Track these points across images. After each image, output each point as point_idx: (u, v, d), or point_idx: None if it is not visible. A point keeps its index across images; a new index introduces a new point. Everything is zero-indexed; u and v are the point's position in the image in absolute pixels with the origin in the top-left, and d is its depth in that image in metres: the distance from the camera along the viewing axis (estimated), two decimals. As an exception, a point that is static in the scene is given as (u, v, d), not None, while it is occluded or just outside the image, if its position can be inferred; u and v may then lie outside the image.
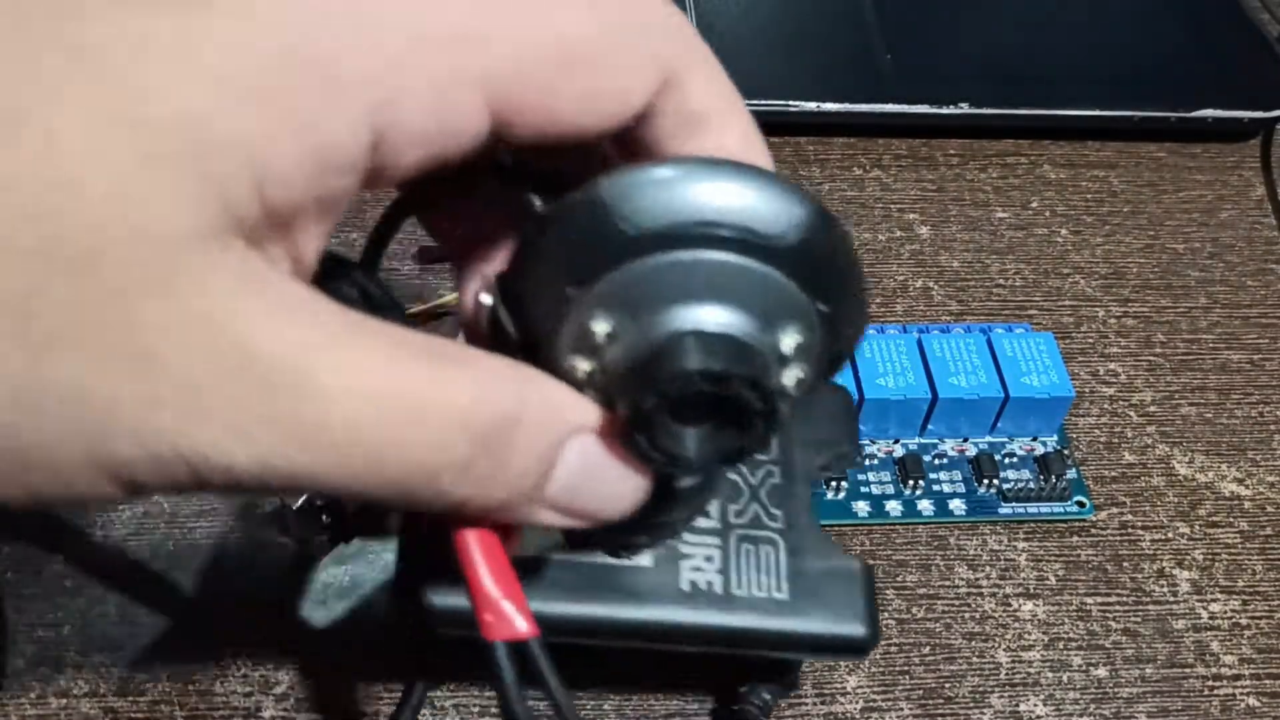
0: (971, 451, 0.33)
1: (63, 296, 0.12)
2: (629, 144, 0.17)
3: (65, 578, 0.29)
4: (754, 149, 0.18)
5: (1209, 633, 0.30)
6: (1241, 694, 0.29)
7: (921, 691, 0.28)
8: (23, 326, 0.12)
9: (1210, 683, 0.29)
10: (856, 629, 0.24)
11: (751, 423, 0.18)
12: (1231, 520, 0.32)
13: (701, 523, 0.25)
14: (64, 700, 0.27)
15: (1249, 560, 0.32)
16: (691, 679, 0.28)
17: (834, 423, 0.28)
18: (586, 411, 0.16)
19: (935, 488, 0.32)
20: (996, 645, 0.29)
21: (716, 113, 0.17)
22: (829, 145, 0.42)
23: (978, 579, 0.31)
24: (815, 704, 0.28)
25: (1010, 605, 0.30)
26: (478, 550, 0.17)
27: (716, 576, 0.24)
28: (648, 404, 0.17)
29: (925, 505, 0.31)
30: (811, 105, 0.41)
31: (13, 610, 0.28)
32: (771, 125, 0.42)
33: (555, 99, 0.15)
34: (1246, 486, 0.33)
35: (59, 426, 0.13)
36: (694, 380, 0.17)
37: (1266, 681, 0.29)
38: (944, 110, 0.42)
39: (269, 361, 0.13)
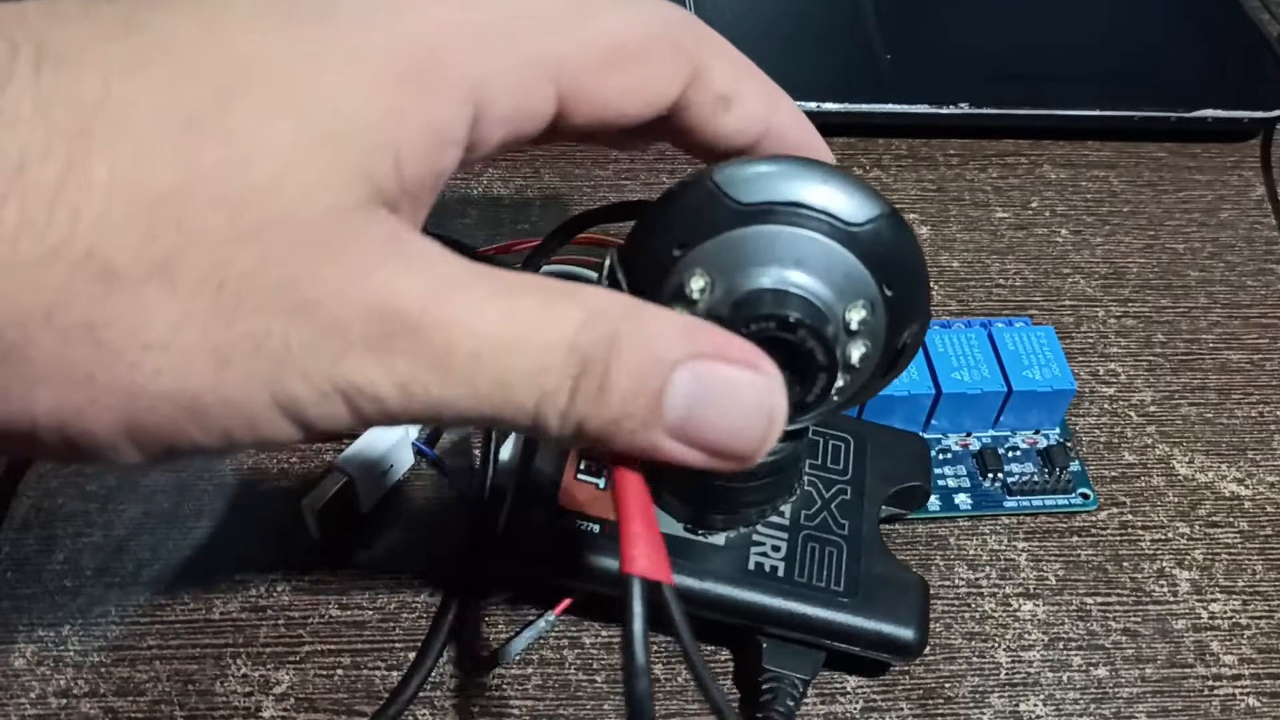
0: (975, 446, 0.33)
1: (246, 264, 0.15)
2: (674, 130, 0.20)
3: (65, 577, 0.29)
4: (779, 107, 0.21)
5: (1209, 633, 0.30)
6: (1241, 694, 0.29)
7: (921, 691, 0.28)
8: (216, 295, 0.15)
9: (1210, 683, 0.29)
10: (906, 632, 0.27)
11: (814, 376, 0.21)
12: (1231, 520, 0.32)
13: (774, 519, 0.28)
14: (64, 700, 0.27)
15: (1249, 560, 0.32)
16: (691, 680, 0.28)
17: (910, 463, 0.30)
18: (696, 339, 0.17)
19: (940, 483, 0.32)
20: (996, 645, 0.29)
21: (739, 90, 0.20)
22: (829, 145, 0.42)
23: (978, 579, 0.31)
24: (815, 704, 0.28)
25: (1010, 605, 0.30)
26: (634, 492, 0.18)
27: (781, 563, 0.27)
28: None
29: (931, 500, 0.31)
30: (811, 105, 0.41)
31: (13, 610, 0.28)
32: (771, 125, 0.42)
33: (607, 89, 0.18)
34: (1246, 486, 0.33)
35: (247, 375, 0.15)
36: (769, 325, 0.20)
37: (1266, 681, 0.29)
38: (944, 110, 0.42)
39: (406, 304, 0.15)
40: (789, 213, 0.21)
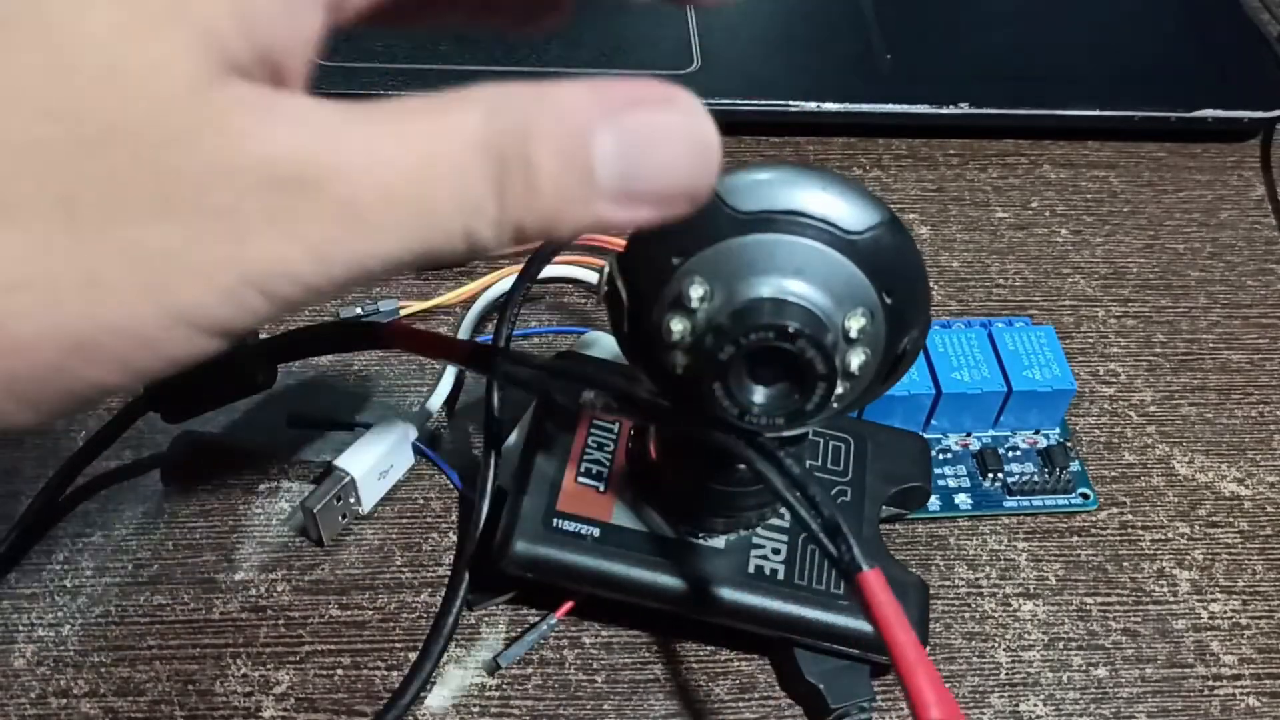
0: (975, 446, 0.33)
1: (98, 172, 0.13)
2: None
3: (65, 577, 0.29)
4: None
5: (1209, 633, 0.30)
6: (1241, 694, 0.29)
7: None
8: (69, 213, 0.13)
9: (1210, 683, 0.29)
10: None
11: (813, 385, 0.21)
12: (1231, 520, 0.32)
13: (773, 521, 0.28)
14: (64, 700, 0.27)
15: (1249, 560, 0.32)
16: (690, 680, 0.28)
17: (910, 462, 0.30)
18: (606, 95, 0.15)
19: (940, 483, 0.32)
20: (996, 645, 0.29)
21: None
22: (829, 145, 0.42)
23: (977, 579, 0.31)
24: (815, 704, 0.28)
25: (1010, 605, 0.30)
26: (902, 633, 0.20)
27: (781, 566, 0.27)
28: (726, 353, 0.21)
29: (931, 500, 0.31)
30: (811, 105, 0.41)
31: (13, 610, 0.28)
32: (771, 125, 0.42)
33: None
34: (1246, 486, 0.33)
35: (128, 292, 0.13)
36: (768, 334, 0.20)
37: (1266, 681, 0.29)
38: (944, 110, 0.42)
39: (291, 165, 0.14)
40: (788, 221, 0.21)
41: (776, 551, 0.27)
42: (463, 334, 0.34)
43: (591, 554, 0.27)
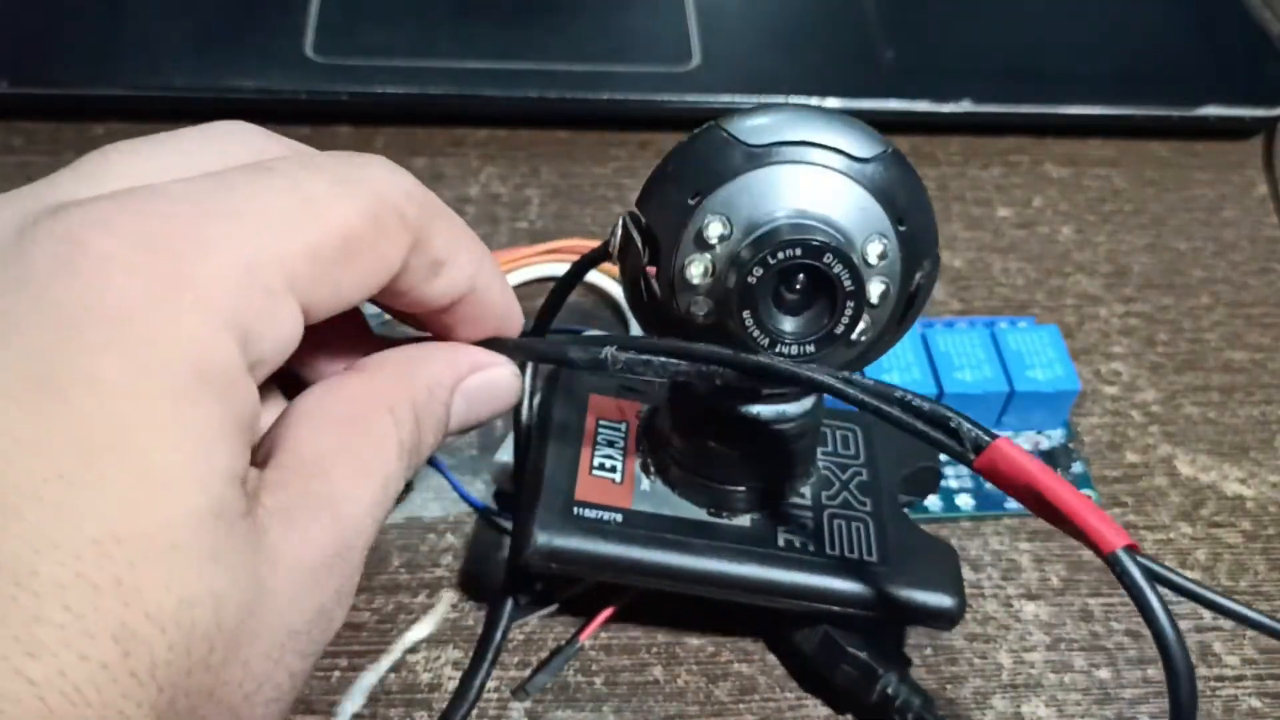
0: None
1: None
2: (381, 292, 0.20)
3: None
4: (484, 269, 0.21)
5: (1211, 634, 0.30)
6: (1244, 695, 0.29)
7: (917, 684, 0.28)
8: None
9: (1213, 684, 0.29)
10: (945, 599, 0.26)
11: (843, 305, 0.21)
12: (1234, 520, 0.32)
13: (795, 500, 0.27)
14: (59, 701, 0.27)
15: (1252, 561, 0.31)
16: (690, 680, 0.28)
17: (918, 444, 0.29)
18: (457, 363, 0.21)
19: (943, 483, 0.32)
20: (999, 647, 0.29)
21: (452, 256, 0.20)
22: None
23: (980, 580, 0.30)
24: (816, 705, 0.28)
25: (1012, 606, 0.30)
26: (1056, 480, 0.20)
27: (810, 538, 0.26)
28: (755, 276, 0.21)
29: (932, 500, 0.31)
30: (813, 101, 0.41)
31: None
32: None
33: (343, 284, 0.18)
34: (1250, 487, 0.33)
35: None
36: (794, 253, 0.21)
37: (1269, 683, 0.29)
38: (946, 107, 0.41)
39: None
40: (800, 150, 0.21)
41: (803, 526, 0.27)
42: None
43: (617, 540, 0.25)
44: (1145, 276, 0.39)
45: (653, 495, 0.27)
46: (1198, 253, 0.40)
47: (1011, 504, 0.32)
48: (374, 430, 0.19)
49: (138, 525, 0.14)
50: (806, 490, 0.27)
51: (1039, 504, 0.20)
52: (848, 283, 0.21)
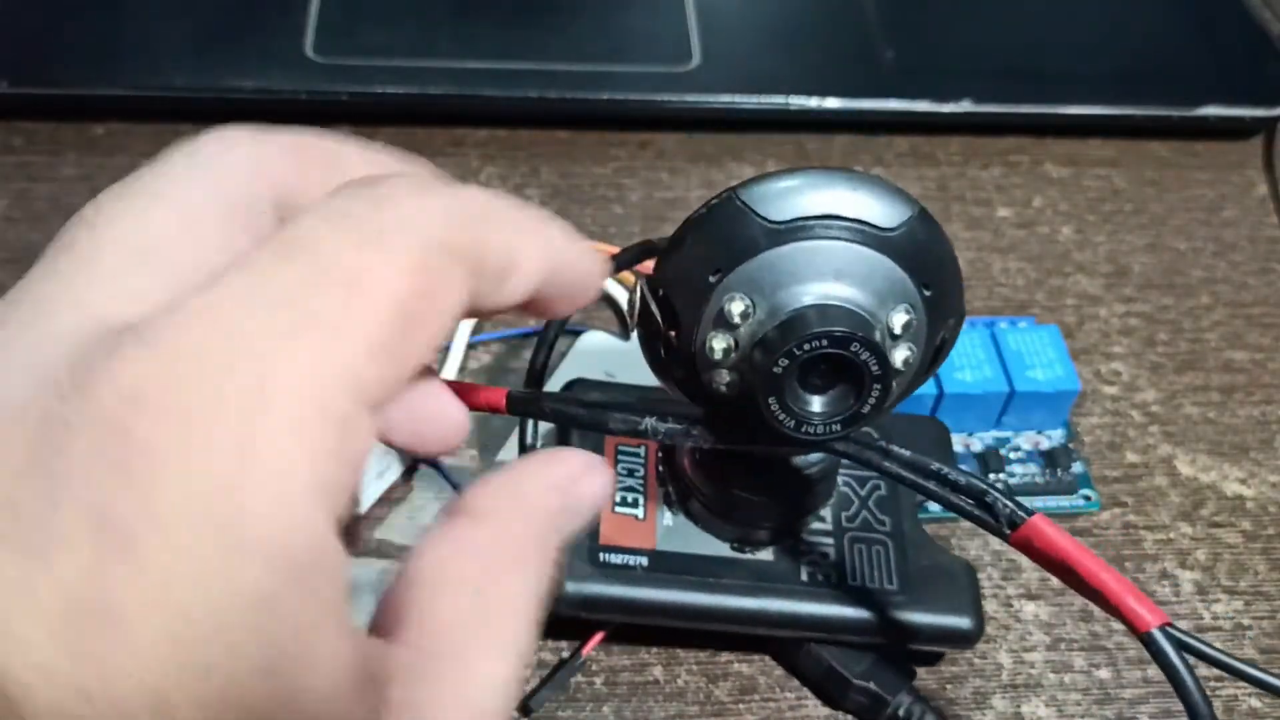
0: (977, 446, 0.33)
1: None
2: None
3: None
4: (562, 254, 0.18)
5: (1212, 633, 0.30)
6: (1244, 694, 0.29)
7: (924, 693, 0.28)
8: None
9: (1212, 683, 0.29)
10: (964, 621, 0.26)
11: (870, 387, 0.21)
12: (1234, 520, 0.32)
13: (816, 525, 0.27)
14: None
15: (1252, 561, 0.31)
16: (690, 680, 0.28)
17: (932, 445, 0.30)
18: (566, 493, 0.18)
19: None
20: (999, 647, 0.29)
21: (516, 258, 0.17)
22: (830, 142, 0.42)
23: (980, 580, 0.30)
24: (816, 706, 0.28)
25: (1012, 606, 0.30)
26: (1088, 557, 0.20)
27: (832, 569, 0.27)
28: (780, 367, 0.21)
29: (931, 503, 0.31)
30: (813, 102, 0.41)
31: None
32: (772, 122, 0.42)
33: (405, 360, 0.15)
34: (1250, 486, 0.33)
35: None
36: (820, 344, 0.20)
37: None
38: (946, 107, 0.41)
39: None
40: (823, 225, 0.21)
41: (825, 555, 0.27)
42: (455, 350, 0.34)
43: (644, 584, 0.26)
44: (1145, 276, 0.39)
45: (675, 531, 0.27)
46: (1198, 253, 0.40)
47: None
48: (508, 594, 0.16)
49: None
50: (827, 513, 0.28)
51: (1074, 580, 0.20)
52: (874, 368, 0.21)
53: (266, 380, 0.14)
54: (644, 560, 0.26)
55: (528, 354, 0.34)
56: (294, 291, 0.14)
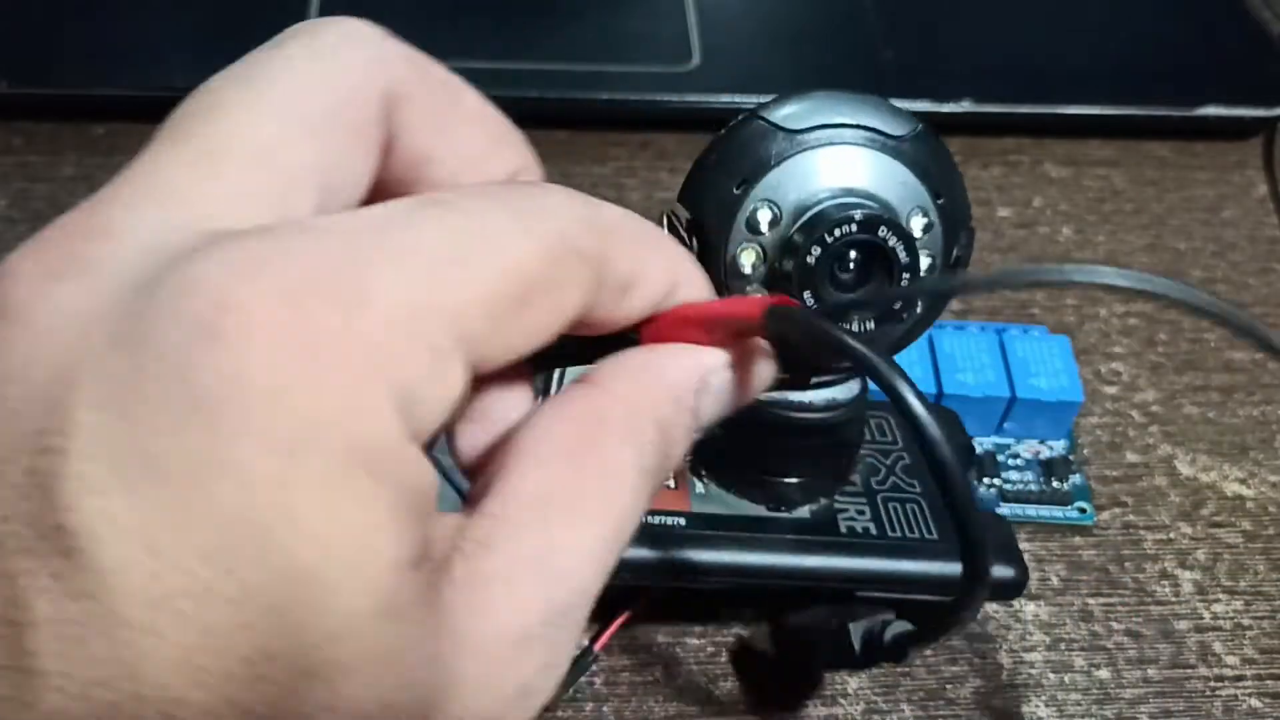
0: (976, 450, 0.33)
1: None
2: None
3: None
4: (687, 279, 0.18)
5: (1212, 634, 0.30)
6: (1244, 695, 0.29)
7: (923, 694, 0.28)
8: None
9: (1213, 684, 0.29)
10: (1008, 569, 0.26)
11: (898, 275, 0.22)
12: (1234, 520, 0.32)
13: (846, 489, 0.27)
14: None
15: (1252, 561, 0.31)
16: (691, 682, 0.28)
17: (948, 426, 0.30)
18: (701, 362, 0.17)
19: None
20: (999, 647, 0.29)
21: (640, 272, 0.17)
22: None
23: (980, 580, 0.30)
24: (816, 705, 0.28)
25: (1012, 606, 0.30)
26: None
27: (870, 524, 0.27)
28: (813, 256, 0.21)
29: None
30: (813, 102, 0.41)
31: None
32: (772, 122, 0.42)
33: (514, 337, 0.15)
34: (1250, 487, 0.33)
35: None
36: (849, 229, 0.21)
37: (1269, 682, 0.29)
38: (945, 107, 0.41)
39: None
40: (839, 132, 0.22)
41: (861, 512, 0.27)
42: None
43: (685, 544, 0.26)
44: (1145, 276, 0.39)
45: (709, 498, 0.27)
46: (1198, 253, 0.40)
47: (1003, 510, 0.31)
48: (608, 460, 0.16)
49: (289, 642, 0.12)
50: (856, 478, 0.28)
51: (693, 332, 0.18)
52: (903, 254, 0.21)
53: (361, 293, 0.13)
54: (681, 520, 0.26)
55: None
56: (421, 232, 0.14)
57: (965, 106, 0.41)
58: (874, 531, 0.26)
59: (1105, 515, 0.32)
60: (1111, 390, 0.35)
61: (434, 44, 0.46)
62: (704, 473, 0.27)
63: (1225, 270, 0.39)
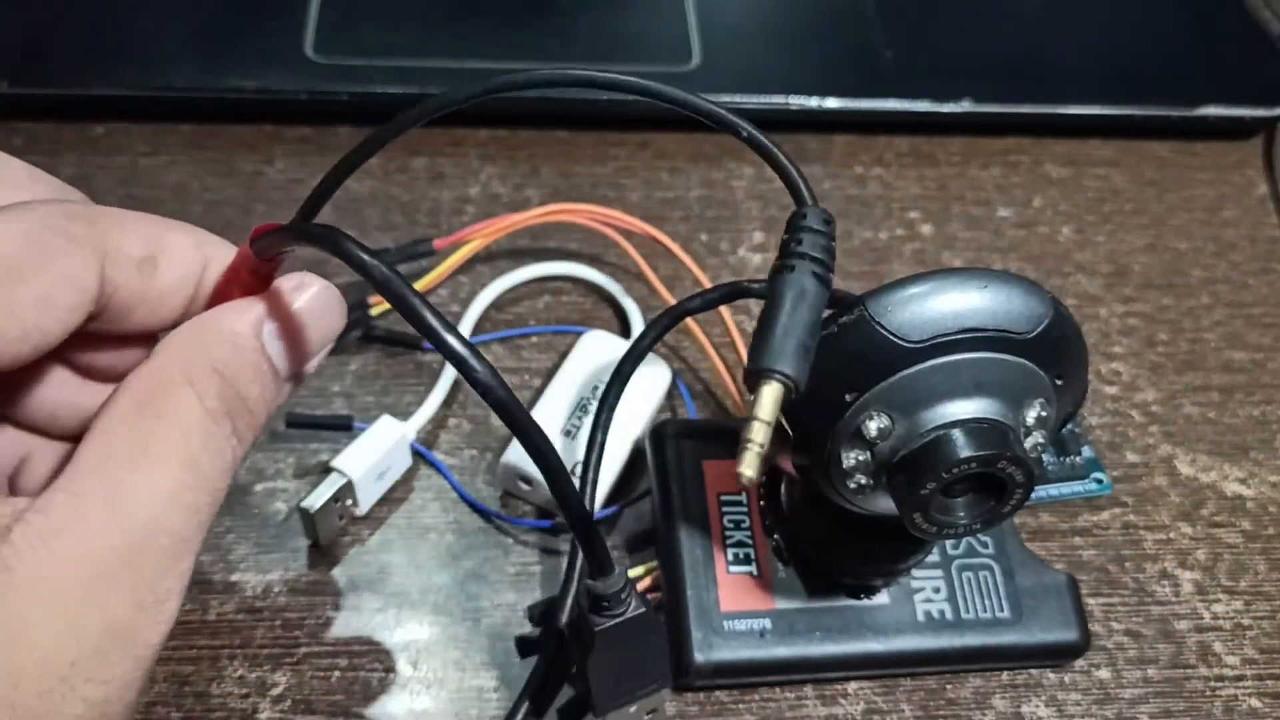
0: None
1: None
2: (111, 319, 0.19)
3: (61, 578, 0.29)
4: (209, 242, 0.19)
5: (1212, 633, 0.30)
6: (1244, 695, 0.29)
7: (923, 693, 0.28)
8: None
9: (1213, 684, 0.29)
10: (1070, 635, 0.28)
11: (1010, 493, 0.21)
12: (1234, 520, 0.32)
13: (925, 559, 0.28)
14: (59, 701, 0.27)
15: (1251, 561, 0.31)
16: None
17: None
18: (253, 303, 0.19)
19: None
20: (998, 646, 0.29)
21: (161, 245, 0.19)
22: (830, 142, 0.42)
23: (980, 580, 0.30)
24: (816, 705, 0.28)
25: (1012, 606, 0.30)
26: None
27: (946, 605, 0.28)
28: (927, 489, 0.21)
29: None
30: (813, 102, 0.41)
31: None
32: (772, 122, 0.42)
33: (18, 311, 0.17)
34: (1249, 487, 0.33)
35: None
36: (970, 466, 0.20)
37: (1269, 682, 0.29)
38: (946, 107, 0.41)
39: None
40: (962, 341, 0.21)
41: (938, 591, 0.28)
42: (466, 325, 0.34)
43: (770, 646, 0.27)
44: (1145, 276, 0.39)
45: (791, 585, 0.27)
46: (1198, 253, 0.40)
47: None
48: (167, 408, 0.17)
49: None
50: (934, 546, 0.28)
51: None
52: (1021, 478, 0.21)
53: None
54: (766, 622, 0.27)
55: (527, 354, 0.34)
56: None
57: (965, 106, 0.41)
58: (949, 614, 0.27)
59: (1105, 515, 0.32)
60: (1112, 390, 0.35)
61: (434, 44, 0.46)
62: (785, 555, 0.28)
63: (1225, 270, 0.39)
